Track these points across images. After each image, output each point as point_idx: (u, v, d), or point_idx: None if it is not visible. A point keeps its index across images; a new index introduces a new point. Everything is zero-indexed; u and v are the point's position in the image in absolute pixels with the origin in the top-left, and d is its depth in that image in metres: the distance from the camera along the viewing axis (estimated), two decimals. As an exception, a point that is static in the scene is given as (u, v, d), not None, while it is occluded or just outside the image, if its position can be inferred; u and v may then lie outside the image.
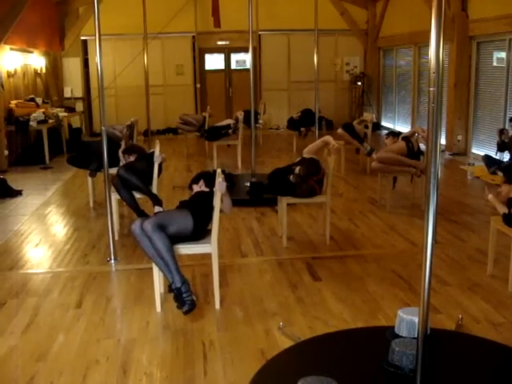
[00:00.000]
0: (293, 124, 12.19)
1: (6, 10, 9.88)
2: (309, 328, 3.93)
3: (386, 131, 10.67)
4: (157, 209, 5.96)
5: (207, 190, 4.59)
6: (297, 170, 5.65)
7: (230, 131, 10.36)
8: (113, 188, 5.91)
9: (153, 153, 6.17)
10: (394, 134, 7.77)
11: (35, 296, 4.62)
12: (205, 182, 4.67)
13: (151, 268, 4.27)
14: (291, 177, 5.63)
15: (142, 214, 5.95)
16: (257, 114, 11.12)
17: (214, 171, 4.44)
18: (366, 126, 9.92)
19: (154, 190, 6.16)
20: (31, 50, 12.36)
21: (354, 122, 10.13)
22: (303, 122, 11.89)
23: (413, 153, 7.09)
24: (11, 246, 6.01)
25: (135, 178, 6.00)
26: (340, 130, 9.50)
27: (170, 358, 3.61)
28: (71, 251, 5.78)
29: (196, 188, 4.72)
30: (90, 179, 7.41)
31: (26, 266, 5.43)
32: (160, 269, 4.13)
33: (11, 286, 4.87)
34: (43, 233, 6.53)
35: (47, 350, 3.71)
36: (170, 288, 4.10)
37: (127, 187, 6.03)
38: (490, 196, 4.75)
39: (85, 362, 3.55)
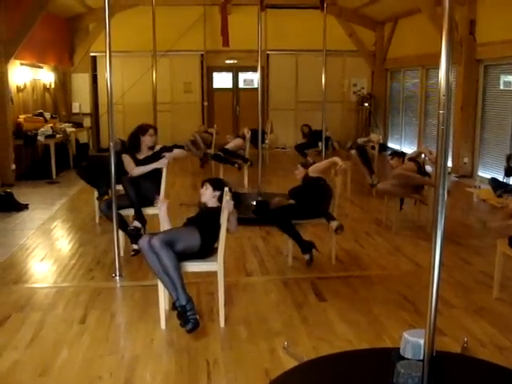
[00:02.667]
0: (299, 148, 12.23)
1: (17, 26, 10.01)
2: (313, 348, 3.91)
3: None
4: (135, 223, 5.87)
5: (214, 206, 4.59)
6: (276, 200, 5.74)
7: (237, 166, 10.23)
8: (119, 203, 5.80)
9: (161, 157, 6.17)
10: (399, 155, 7.76)
11: (39, 310, 4.62)
12: (212, 186, 4.68)
13: (156, 285, 4.27)
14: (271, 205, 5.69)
15: (132, 232, 5.88)
16: (264, 133, 11.14)
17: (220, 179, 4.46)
18: (373, 147, 9.95)
19: (162, 191, 6.10)
20: (41, 65, 12.48)
21: (360, 141, 10.17)
22: (310, 144, 11.95)
23: (422, 173, 7.08)
24: (16, 260, 6.02)
25: (133, 192, 5.95)
26: (353, 152, 9.48)
27: (173, 375, 3.59)
28: (76, 266, 5.79)
29: (203, 191, 4.72)
30: (96, 194, 7.38)
31: (31, 280, 5.44)
32: (165, 286, 4.12)
33: (16, 300, 4.87)
34: (48, 247, 6.54)
35: (51, 365, 3.70)
36: (173, 305, 4.08)
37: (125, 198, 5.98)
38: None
39: (88, 378, 3.54)
